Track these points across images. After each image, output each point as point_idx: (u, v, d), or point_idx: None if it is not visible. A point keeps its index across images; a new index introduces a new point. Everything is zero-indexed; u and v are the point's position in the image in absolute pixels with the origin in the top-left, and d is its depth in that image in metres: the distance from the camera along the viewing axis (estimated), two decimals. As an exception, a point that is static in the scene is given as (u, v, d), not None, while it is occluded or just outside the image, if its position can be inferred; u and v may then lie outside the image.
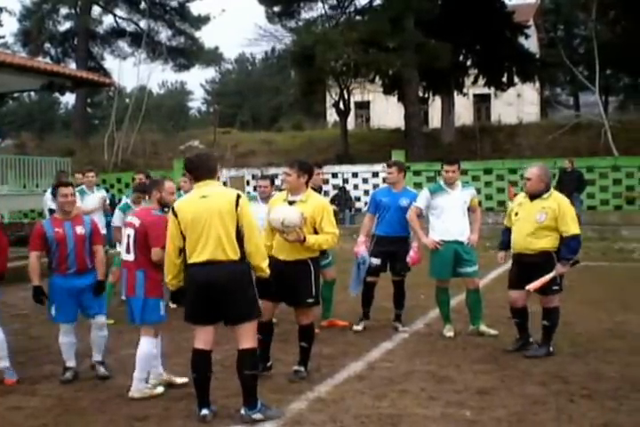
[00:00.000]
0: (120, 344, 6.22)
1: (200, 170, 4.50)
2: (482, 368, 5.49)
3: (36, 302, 5.38)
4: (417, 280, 7.16)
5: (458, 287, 6.99)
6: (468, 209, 6.68)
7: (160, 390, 4.98)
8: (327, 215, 5.11)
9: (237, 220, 4.32)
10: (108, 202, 9.24)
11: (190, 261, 4.37)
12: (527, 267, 5.79)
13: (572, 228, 5.67)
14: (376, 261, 6.80)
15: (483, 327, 6.63)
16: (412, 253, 6.68)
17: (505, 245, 6.14)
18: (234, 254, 4.31)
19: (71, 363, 5.40)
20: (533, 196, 5.80)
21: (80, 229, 5.39)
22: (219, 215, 4.29)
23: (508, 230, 6.09)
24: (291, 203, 5.14)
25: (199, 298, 4.33)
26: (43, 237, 5.31)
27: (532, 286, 5.71)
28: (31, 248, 5.36)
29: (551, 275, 5.69)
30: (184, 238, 4.38)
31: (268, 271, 4.48)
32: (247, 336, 4.40)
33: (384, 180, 7.06)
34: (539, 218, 5.70)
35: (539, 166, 5.87)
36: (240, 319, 4.38)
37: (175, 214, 4.41)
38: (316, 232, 5.07)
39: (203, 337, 4.43)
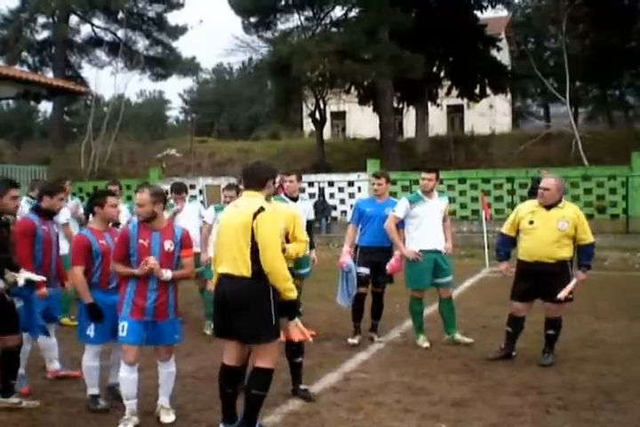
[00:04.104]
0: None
1: (248, 179, 4.30)
2: (457, 379, 5.45)
3: (94, 322, 4.71)
4: (392, 289, 7.07)
5: (433, 296, 6.87)
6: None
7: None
8: (298, 224, 4.96)
9: (252, 234, 4.03)
10: (81, 210, 8.86)
11: (217, 269, 4.26)
12: (541, 276, 5.73)
13: (590, 235, 5.81)
14: (365, 270, 6.66)
15: (457, 336, 6.65)
16: (392, 260, 6.54)
17: (508, 254, 6.05)
18: (246, 271, 4.04)
19: (96, 391, 4.84)
20: (550, 205, 5.79)
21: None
22: (236, 228, 4.09)
23: (510, 240, 6.00)
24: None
25: (216, 310, 4.22)
26: (89, 250, 4.74)
27: (563, 295, 5.71)
28: (77, 262, 4.72)
29: (574, 282, 5.79)
30: None
31: (290, 293, 4.13)
32: (262, 356, 4.15)
33: (375, 190, 7.01)
34: (561, 226, 5.70)
35: (555, 177, 5.90)
36: (252, 340, 4.14)
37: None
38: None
39: (226, 352, 4.26)
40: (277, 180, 6.87)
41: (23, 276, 4.72)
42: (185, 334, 5.86)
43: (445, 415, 4.62)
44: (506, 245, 6.06)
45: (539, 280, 5.75)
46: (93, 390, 4.81)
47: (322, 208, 19.51)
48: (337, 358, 6.16)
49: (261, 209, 4.05)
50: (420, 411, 4.71)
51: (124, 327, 4.41)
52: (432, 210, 6.55)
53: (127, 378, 4.47)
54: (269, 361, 4.14)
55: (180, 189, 8.28)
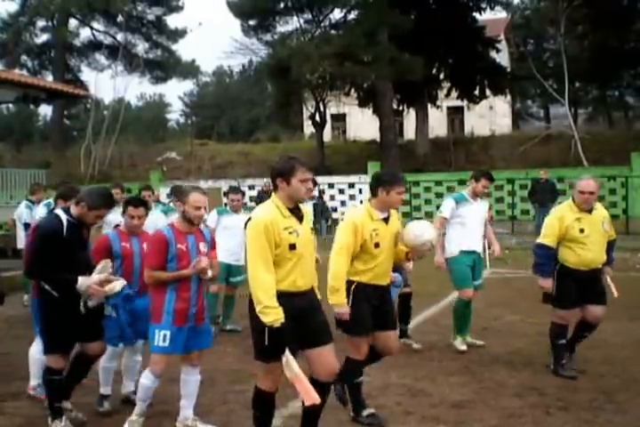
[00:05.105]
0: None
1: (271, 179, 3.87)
2: (457, 381, 5.40)
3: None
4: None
5: (432, 297, 6.80)
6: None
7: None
8: None
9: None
10: None
11: None
12: (591, 281, 5.54)
13: (613, 231, 5.69)
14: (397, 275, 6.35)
15: (469, 339, 6.58)
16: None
17: (551, 269, 5.54)
18: None
19: (109, 390, 4.80)
20: (590, 209, 5.52)
21: (203, 247, 4.79)
22: None
23: (554, 253, 5.54)
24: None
25: None
26: (108, 251, 4.65)
27: (617, 292, 5.59)
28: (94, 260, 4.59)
29: (609, 279, 5.65)
30: None
31: (266, 318, 3.56)
32: (258, 373, 3.98)
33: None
34: (605, 228, 5.53)
35: (593, 179, 5.55)
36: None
37: None
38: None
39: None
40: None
41: (120, 283, 4.42)
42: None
43: (446, 417, 4.61)
44: (551, 259, 5.54)
45: (588, 285, 5.52)
46: (107, 389, 4.80)
47: (321, 210, 19.52)
48: (338, 361, 6.13)
49: (249, 219, 3.73)
50: (420, 413, 4.68)
51: (165, 337, 4.19)
52: (476, 212, 6.44)
53: (149, 387, 4.31)
54: (258, 380, 3.92)
55: (181, 194, 8.24)
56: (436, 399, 4.98)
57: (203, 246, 4.39)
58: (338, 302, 4.32)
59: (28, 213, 9.42)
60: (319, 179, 21.12)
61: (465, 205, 6.39)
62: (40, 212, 7.99)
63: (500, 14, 29.12)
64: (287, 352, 3.61)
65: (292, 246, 3.68)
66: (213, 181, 22.07)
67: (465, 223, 6.37)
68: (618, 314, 8.10)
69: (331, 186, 20.80)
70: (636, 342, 6.70)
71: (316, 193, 20.28)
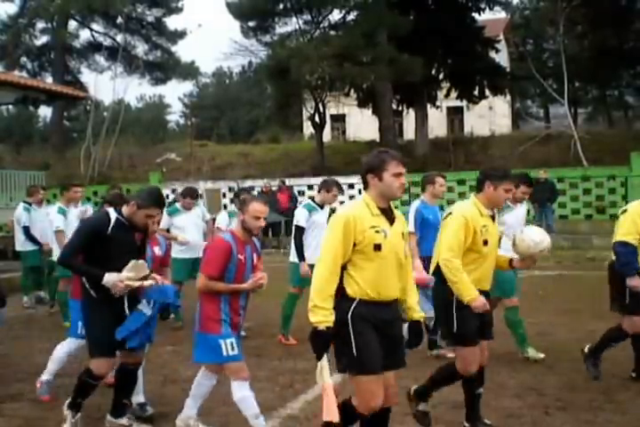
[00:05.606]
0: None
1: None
2: (457, 381, 5.50)
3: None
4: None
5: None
6: None
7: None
8: None
9: None
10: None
11: None
12: None
13: None
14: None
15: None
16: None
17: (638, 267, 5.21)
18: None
19: (142, 398, 4.72)
20: None
21: (157, 250, 4.94)
22: None
23: (635, 248, 5.21)
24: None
25: None
26: None
27: None
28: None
29: None
30: None
31: (313, 317, 3.33)
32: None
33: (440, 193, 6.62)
34: None
35: None
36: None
37: None
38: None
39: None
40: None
41: (148, 283, 4.28)
42: (184, 339, 5.85)
43: (445, 418, 4.60)
44: (635, 257, 5.17)
45: None
46: (141, 397, 4.73)
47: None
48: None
49: (332, 211, 3.64)
50: (419, 414, 4.70)
51: (232, 345, 4.10)
52: (517, 217, 6.21)
53: (248, 397, 4.15)
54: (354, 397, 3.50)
55: (194, 194, 8.14)
56: (436, 400, 4.93)
57: (255, 257, 4.29)
58: (472, 295, 3.99)
59: (27, 216, 9.40)
60: (319, 180, 21.20)
61: (508, 211, 6.09)
62: (54, 217, 7.86)
63: (499, 14, 29.20)
64: (325, 360, 3.36)
65: (377, 247, 3.34)
66: (213, 182, 22.05)
67: (507, 230, 5.92)
68: (617, 314, 8.12)
69: (330, 187, 20.77)
70: (636, 342, 6.70)
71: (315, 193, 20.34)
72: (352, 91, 26.19)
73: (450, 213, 4.26)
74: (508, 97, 31.74)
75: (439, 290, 4.24)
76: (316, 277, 3.32)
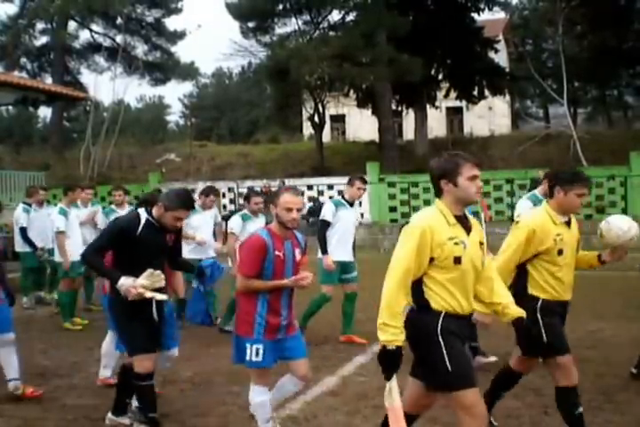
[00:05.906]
0: (89, 361, 6.13)
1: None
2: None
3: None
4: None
5: None
6: None
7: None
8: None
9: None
10: (100, 216, 8.87)
11: None
12: None
13: None
14: None
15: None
16: None
17: None
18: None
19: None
20: None
21: None
22: None
23: None
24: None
25: None
26: None
27: None
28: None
29: None
30: None
31: (382, 336, 3.13)
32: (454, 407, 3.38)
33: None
34: None
35: None
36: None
37: None
38: None
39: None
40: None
41: (160, 297, 4.21)
42: (183, 340, 5.85)
43: (444, 418, 4.58)
44: None
45: None
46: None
47: (319, 211, 19.46)
48: (335, 362, 6.10)
49: (406, 222, 3.27)
50: (418, 413, 4.70)
51: (258, 351, 3.94)
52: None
53: (265, 402, 4.04)
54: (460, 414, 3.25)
55: (217, 192, 8.14)
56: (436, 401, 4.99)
57: (298, 253, 4.08)
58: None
59: (25, 217, 9.40)
60: (317, 180, 21.31)
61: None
62: (56, 218, 7.85)
63: (498, 15, 29.27)
64: (394, 380, 3.17)
65: (457, 260, 3.14)
66: (212, 182, 22.03)
67: None
68: (616, 314, 8.14)
69: (330, 187, 20.78)
70: (636, 342, 6.69)
71: (315, 194, 20.35)
72: (351, 91, 26.23)
73: (517, 222, 4.09)
74: (508, 97, 31.79)
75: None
76: (385, 291, 3.13)
